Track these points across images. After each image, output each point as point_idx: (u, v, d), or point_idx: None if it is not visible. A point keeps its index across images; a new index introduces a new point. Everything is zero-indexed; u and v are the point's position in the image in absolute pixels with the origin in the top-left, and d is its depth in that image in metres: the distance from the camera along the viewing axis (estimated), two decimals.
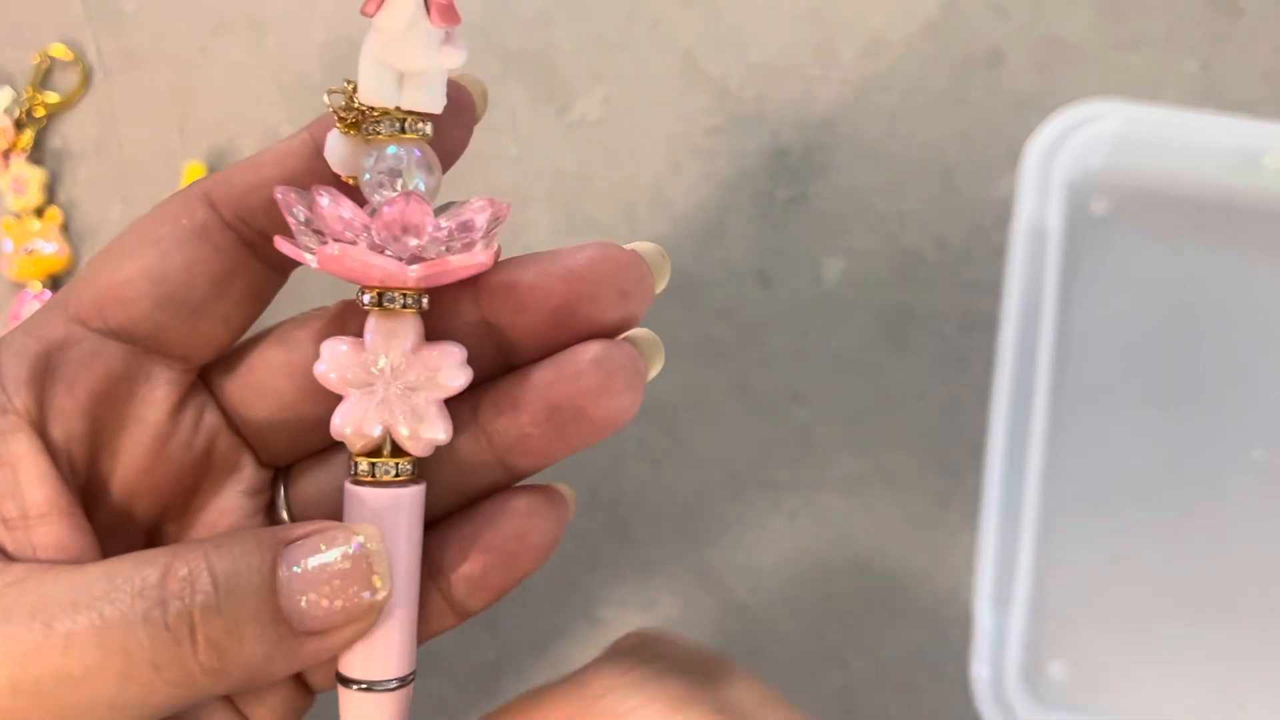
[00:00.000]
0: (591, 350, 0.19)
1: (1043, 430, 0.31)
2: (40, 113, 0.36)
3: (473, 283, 0.18)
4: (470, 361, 0.18)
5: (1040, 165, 0.32)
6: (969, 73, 0.35)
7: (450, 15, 0.16)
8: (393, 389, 0.18)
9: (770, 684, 0.21)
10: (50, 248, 0.35)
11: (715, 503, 0.34)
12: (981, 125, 0.35)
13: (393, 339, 0.18)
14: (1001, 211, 0.34)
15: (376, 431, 0.18)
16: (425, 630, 0.20)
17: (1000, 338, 0.31)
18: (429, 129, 0.17)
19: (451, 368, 0.18)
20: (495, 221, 0.17)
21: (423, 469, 0.19)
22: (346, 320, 0.20)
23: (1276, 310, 0.33)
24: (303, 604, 0.16)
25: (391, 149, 0.17)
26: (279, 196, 0.17)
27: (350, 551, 0.17)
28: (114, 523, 0.19)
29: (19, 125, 0.36)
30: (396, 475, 0.18)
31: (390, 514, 0.18)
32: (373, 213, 0.17)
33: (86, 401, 0.18)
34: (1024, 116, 0.35)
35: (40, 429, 0.18)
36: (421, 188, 0.17)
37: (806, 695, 0.33)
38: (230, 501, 0.20)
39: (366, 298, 0.18)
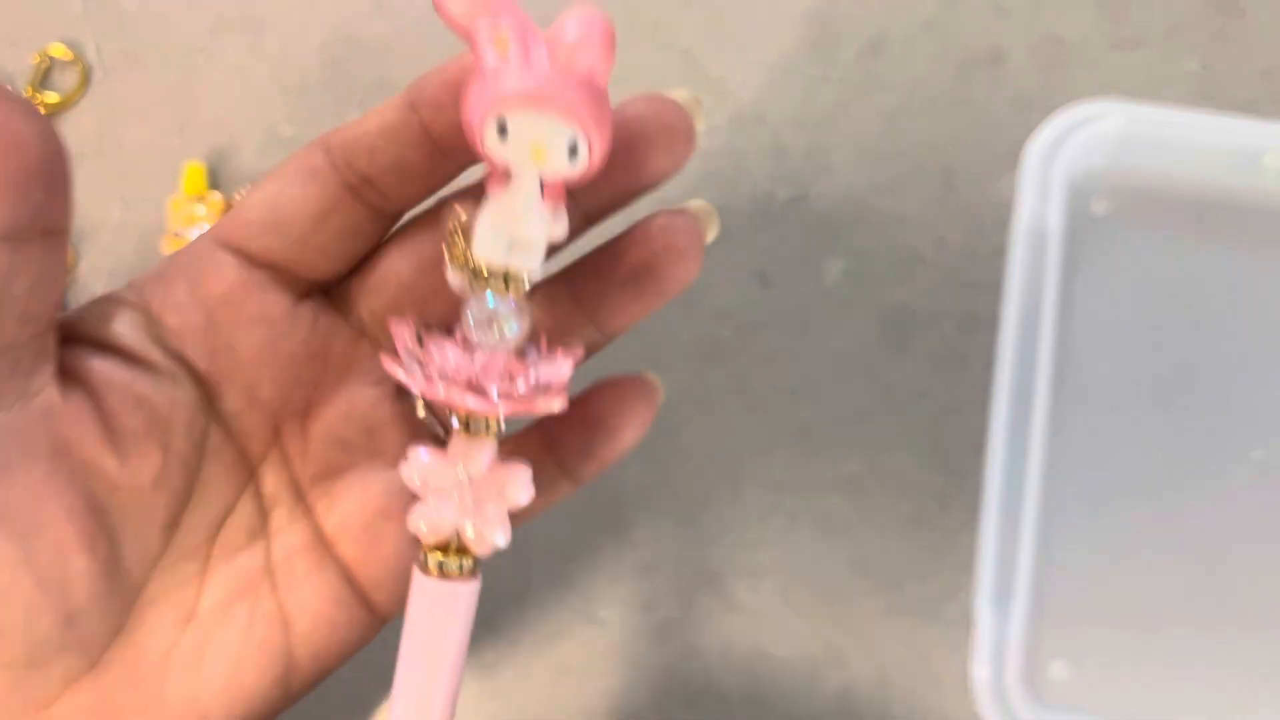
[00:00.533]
0: (659, 220, 0.23)
1: (1043, 430, 0.31)
2: (40, 113, 0.36)
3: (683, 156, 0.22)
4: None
5: (1040, 165, 0.32)
6: (969, 72, 0.35)
7: (560, 197, 0.19)
8: (466, 499, 0.20)
9: None
10: None
11: (715, 503, 0.34)
12: (982, 125, 0.35)
13: (472, 457, 0.20)
14: (1002, 211, 0.34)
15: (447, 532, 0.21)
16: (544, 502, 0.23)
17: (1000, 337, 0.31)
18: (527, 286, 0.20)
19: (518, 486, 0.21)
20: (568, 369, 0.21)
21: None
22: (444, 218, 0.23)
23: (1278, 309, 0.33)
24: None
25: (491, 302, 0.20)
26: (394, 328, 0.20)
27: None
28: (239, 407, 0.22)
29: None
30: (459, 571, 0.21)
31: (448, 603, 0.21)
32: (469, 348, 0.20)
33: (205, 298, 0.22)
34: (1024, 116, 0.35)
35: (156, 316, 0.22)
36: (514, 333, 0.20)
37: (806, 695, 0.33)
38: (357, 392, 0.23)
39: (455, 420, 0.21)
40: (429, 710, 0.21)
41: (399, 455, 0.22)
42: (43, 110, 0.36)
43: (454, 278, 0.20)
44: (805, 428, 0.34)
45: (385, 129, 0.21)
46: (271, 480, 0.23)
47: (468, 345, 0.20)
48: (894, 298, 0.34)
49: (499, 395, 0.20)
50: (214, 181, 0.36)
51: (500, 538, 0.21)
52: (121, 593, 0.21)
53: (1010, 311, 0.31)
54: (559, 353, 0.21)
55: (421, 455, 0.21)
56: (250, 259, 0.22)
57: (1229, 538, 0.32)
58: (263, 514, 0.23)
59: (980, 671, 0.30)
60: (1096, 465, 0.33)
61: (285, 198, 0.22)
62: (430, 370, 0.20)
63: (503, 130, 0.18)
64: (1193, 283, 0.34)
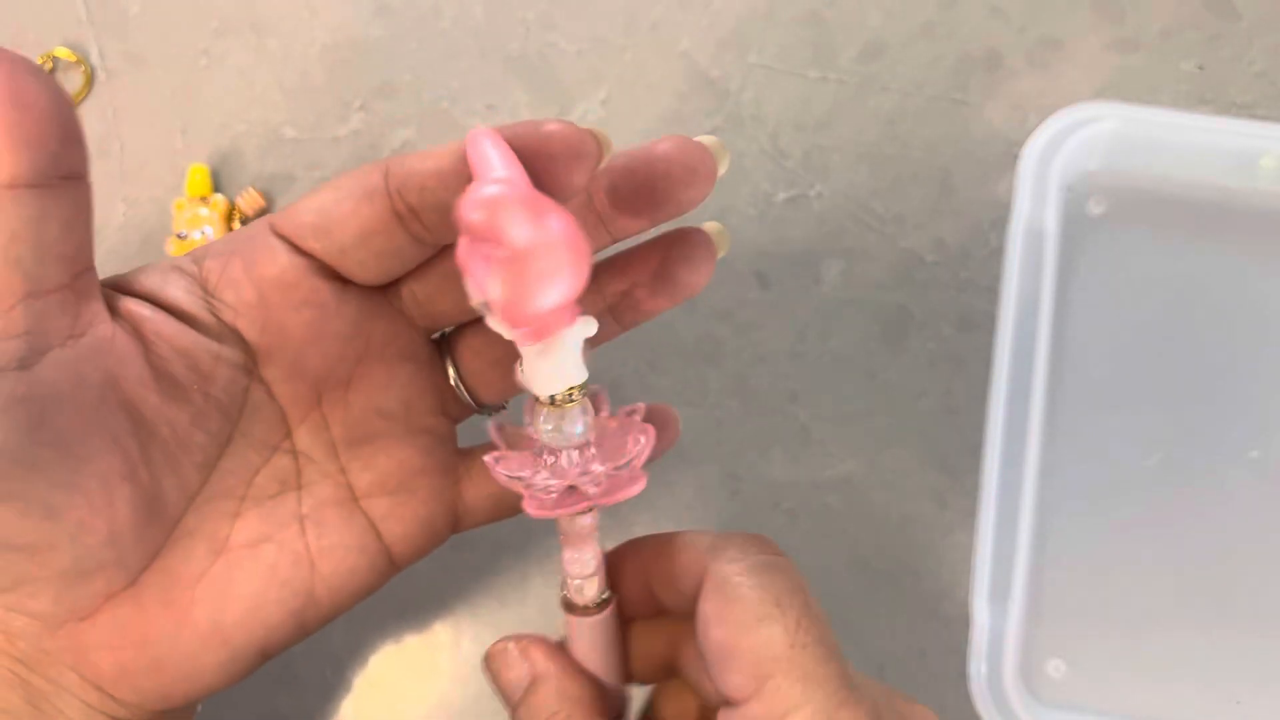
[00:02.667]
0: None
1: (1040, 429, 0.31)
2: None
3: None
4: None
5: (1037, 166, 0.32)
6: (967, 75, 0.35)
7: (590, 323, 0.21)
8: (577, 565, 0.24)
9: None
10: None
11: (715, 502, 0.34)
12: (979, 127, 0.35)
13: (579, 545, 0.24)
14: (999, 212, 0.35)
15: (592, 595, 0.24)
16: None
17: (997, 338, 0.31)
18: (580, 393, 0.22)
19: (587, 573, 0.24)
20: (645, 443, 0.23)
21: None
22: None
23: (1273, 310, 0.34)
24: None
25: (558, 413, 0.22)
26: (488, 462, 0.23)
27: None
28: (283, 375, 0.24)
29: None
30: (590, 607, 0.24)
31: (586, 634, 0.24)
32: (549, 452, 0.22)
33: (259, 278, 0.24)
34: (1021, 118, 0.35)
35: (212, 288, 0.24)
36: (580, 430, 0.22)
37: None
38: (397, 367, 0.26)
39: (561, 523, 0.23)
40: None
41: (431, 423, 0.26)
42: None
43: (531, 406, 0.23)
44: (804, 427, 0.34)
45: (439, 171, 0.23)
46: (307, 439, 0.25)
47: (545, 449, 0.23)
48: (892, 298, 0.35)
49: (587, 496, 0.22)
50: (217, 183, 0.36)
51: (593, 594, 0.24)
52: (160, 520, 0.23)
53: (1007, 312, 0.31)
54: (630, 439, 0.23)
55: (570, 560, 0.24)
56: (300, 254, 0.24)
57: (1225, 537, 0.33)
58: (297, 469, 0.25)
59: (977, 669, 0.30)
60: (1093, 465, 0.33)
61: (338, 209, 0.23)
62: (534, 491, 0.23)
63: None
64: (1189, 283, 0.34)
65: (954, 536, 0.33)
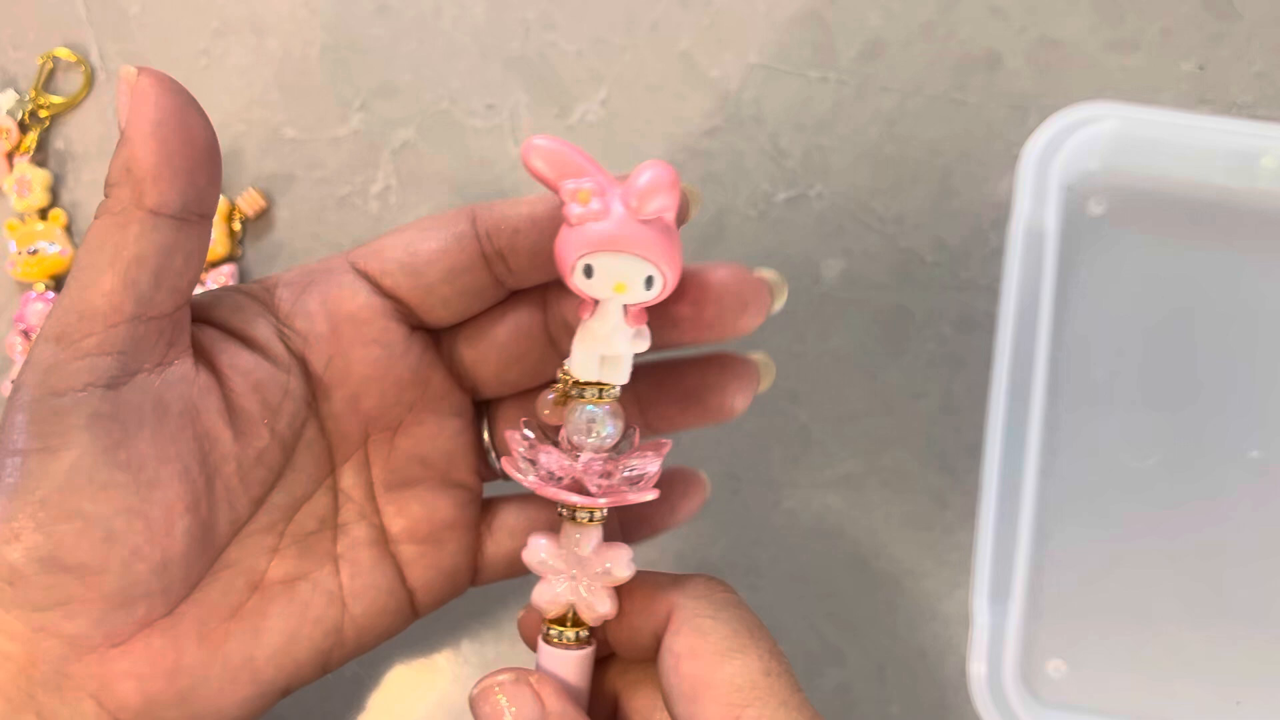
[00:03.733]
0: (718, 364, 0.26)
1: (1040, 429, 0.31)
2: (44, 114, 0.36)
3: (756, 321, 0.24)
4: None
5: (1037, 166, 0.32)
6: (967, 74, 0.36)
7: (641, 318, 0.23)
8: (579, 578, 0.23)
9: None
10: (54, 249, 0.35)
11: (715, 502, 0.34)
12: (979, 127, 0.35)
13: (580, 543, 0.23)
14: (999, 213, 0.35)
15: (564, 607, 0.23)
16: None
17: (997, 338, 0.31)
18: (618, 393, 0.23)
19: (622, 564, 0.23)
20: (659, 461, 0.24)
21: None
22: None
23: (1273, 311, 0.34)
24: None
25: (590, 407, 0.23)
26: (508, 436, 0.24)
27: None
28: (340, 410, 0.25)
29: (23, 127, 0.36)
30: (576, 640, 0.24)
31: (567, 667, 0.24)
32: (572, 451, 0.23)
33: (333, 313, 0.24)
34: (1021, 118, 0.35)
35: (284, 317, 0.24)
36: (610, 434, 0.23)
37: (805, 693, 0.33)
38: (445, 421, 0.26)
39: (563, 510, 0.23)
40: None
41: (467, 480, 0.27)
42: (47, 112, 0.36)
43: (549, 408, 0.24)
44: (804, 427, 0.34)
45: (534, 217, 0.24)
46: (350, 479, 0.26)
47: (571, 447, 0.23)
48: (892, 298, 0.35)
49: (598, 491, 0.23)
50: None
51: (608, 608, 0.23)
52: (209, 552, 0.23)
53: (1007, 312, 0.31)
54: (649, 449, 0.24)
55: (540, 542, 0.24)
56: (378, 288, 0.25)
57: (1225, 537, 0.33)
58: (335, 507, 0.25)
59: (978, 669, 0.30)
60: (1093, 465, 0.33)
61: (426, 248, 0.24)
62: (542, 472, 0.23)
63: (588, 271, 0.22)
64: (1189, 283, 0.34)
65: (954, 536, 0.33)
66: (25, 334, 0.35)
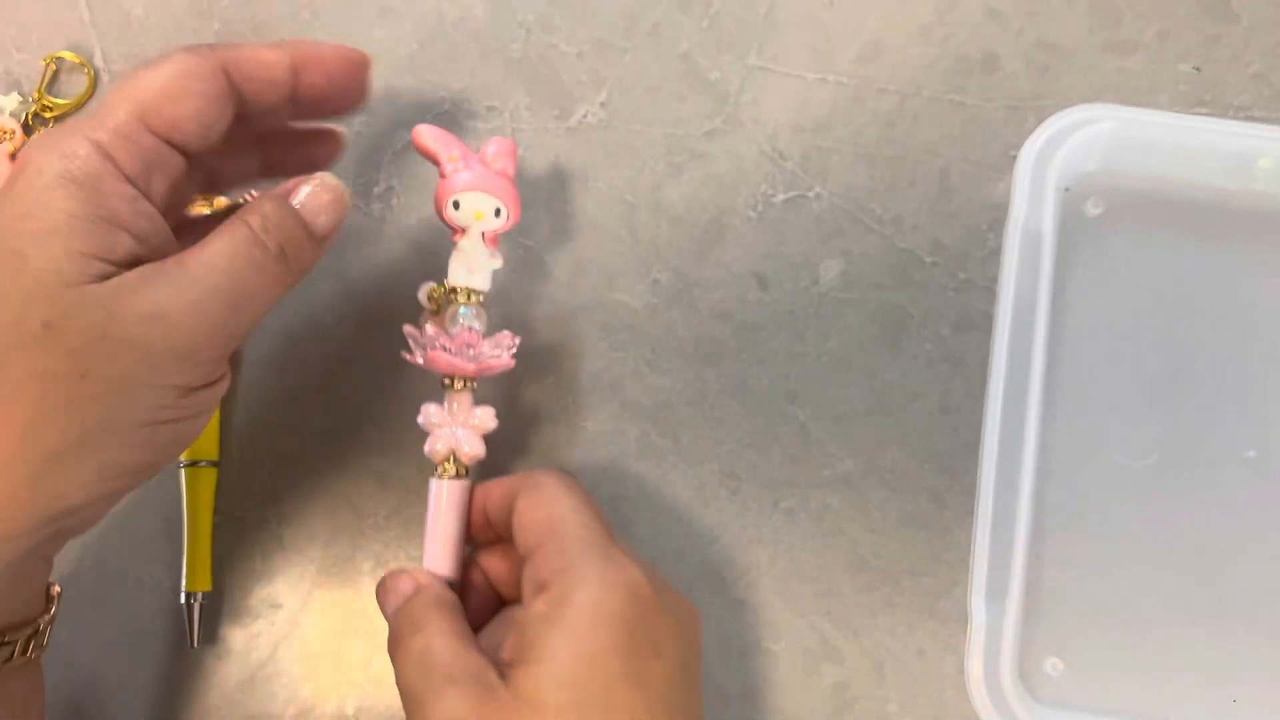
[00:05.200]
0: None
1: (1036, 429, 0.31)
2: (48, 116, 0.36)
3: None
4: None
5: (1035, 168, 0.32)
6: (965, 76, 0.36)
7: (494, 243, 0.31)
8: (456, 429, 0.31)
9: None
10: None
11: (714, 502, 0.34)
12: (977, 128, 0.35)
13: (457, 402, 0.31)
14: (997, 214, 0.35)
15: (446, 453, 0.31)
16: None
17: (995, 338, 0.31)
18: (482, 298, 0.31)
19: (489, 418, 0.31)
20: (514, 344, 0.31)
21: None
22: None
23: (1268, 311, 0.34)
24: (320, 220, 0.28)
25: (464, 309, 0.31)
26: (406, 330, 0.31)
27: (322, 182, 0.28)
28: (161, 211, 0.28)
29: (27, 128, 0.36)
30: (455, 474, 0.31)
31: (449, 493, 0.31)
32: (452, 335, 0.31)
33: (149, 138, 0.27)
34: (1019, 120, 0.35)
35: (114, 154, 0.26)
36: (477, 325, 0.31)
37: (803, 691, 0.33)
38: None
39: (445, 381, 0.31)
40: (445, 561, 0.30)
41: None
42: (51, 114, 0.36)
43: (431, 313, 0.31)
44: (803, 427, 0.34)
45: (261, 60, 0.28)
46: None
47: (449, 337, 0.31)
48: (890, 299, 0.35)
49: (468, 360, 0.31)
50: None
51: (479, 450, 0.31)
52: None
53: (1004, 312, 0.31)
54: (504, 338, 0.31)
55: (429, 407, 0.31)
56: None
57: (1221, 537, 0.33)
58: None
59: (974, 667, 0.30)
60: (1090, 464, 0.33)
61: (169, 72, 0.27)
62: (430, 351, 0.31)
63: (456, 205, 0.31)
64: (1185, 284, 0.34)
65: (951, 535, 0.34)
66: None
